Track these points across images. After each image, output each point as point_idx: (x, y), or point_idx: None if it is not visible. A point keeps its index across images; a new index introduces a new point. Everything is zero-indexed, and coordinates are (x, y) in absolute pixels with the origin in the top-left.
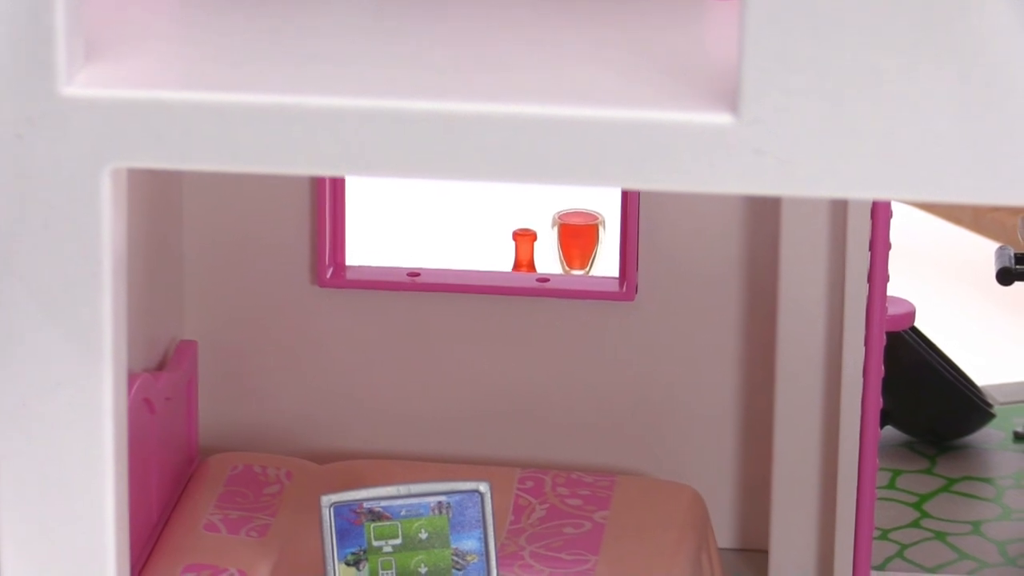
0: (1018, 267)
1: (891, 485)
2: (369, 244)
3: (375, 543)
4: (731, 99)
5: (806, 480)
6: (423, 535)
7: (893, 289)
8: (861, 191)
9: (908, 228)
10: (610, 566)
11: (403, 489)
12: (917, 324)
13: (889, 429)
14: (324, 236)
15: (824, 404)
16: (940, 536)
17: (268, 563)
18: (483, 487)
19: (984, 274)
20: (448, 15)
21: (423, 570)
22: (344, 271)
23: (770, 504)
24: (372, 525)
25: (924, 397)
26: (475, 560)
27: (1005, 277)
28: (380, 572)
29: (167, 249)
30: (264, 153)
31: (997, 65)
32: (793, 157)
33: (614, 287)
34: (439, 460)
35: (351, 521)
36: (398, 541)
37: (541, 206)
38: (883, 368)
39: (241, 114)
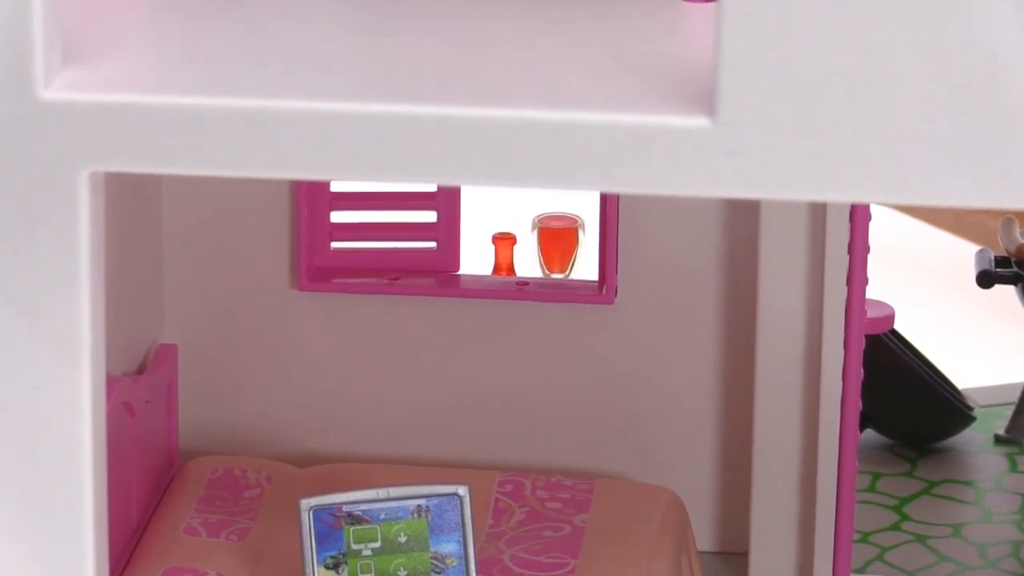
0: (998, 270)
1: (871, 488)
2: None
3: (354, 547)
4: (707, 102)
5: (786, 483)
6: (402, 539)
7: (872, 292)
8: (840, 194)
9: (888, 231)
10: (590, 569)
11: (382, 493)
12: (897, 327)
13: (869, 432)
14: (304, 239)
15: (804, 407)
16: (920, 539)
17: (248, 567)
18: (462, 490)
19: (964, 277)
20: (424, 18)
21: (402, 573)
22: (324, 274)
23: (750, 507)
24: (351, 528)
25: (904, 400)
26: (454, 563)
27: (985, 280)
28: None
29: (146, 252)
30: (243, 157)
31: (976, 67)
32: (770, 160)
33: (594, 290)
34: (419, 463)
35: (330, 525)
36: (377, 545)
37: (520, 209)
38: (863, 371)
39: (220, 118)
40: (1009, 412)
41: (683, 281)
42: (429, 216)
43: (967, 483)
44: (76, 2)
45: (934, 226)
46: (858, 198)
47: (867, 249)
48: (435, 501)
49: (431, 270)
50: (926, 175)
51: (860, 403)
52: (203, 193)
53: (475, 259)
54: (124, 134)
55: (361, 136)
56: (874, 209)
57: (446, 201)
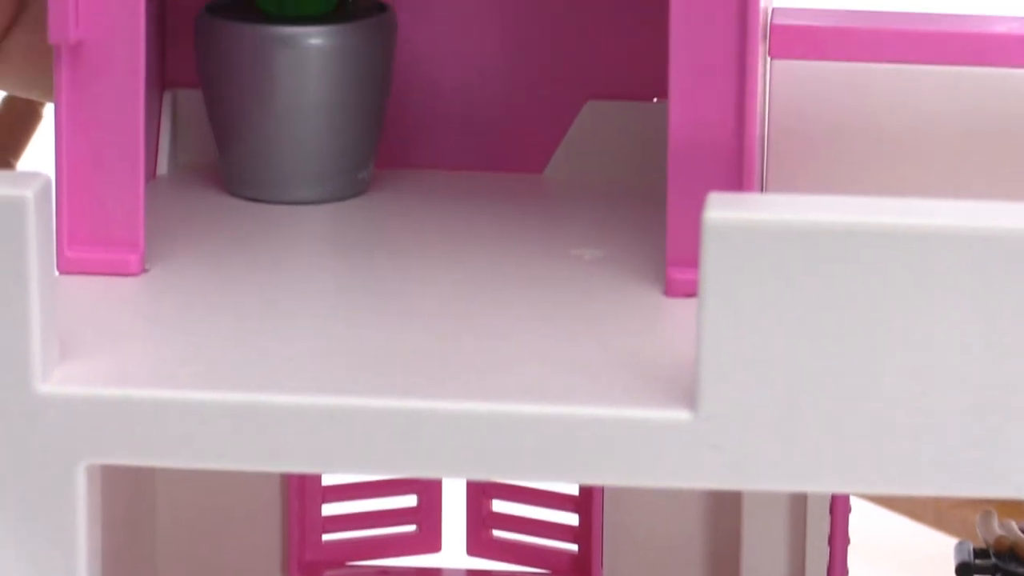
0: (977, 561)
1: None
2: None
3: None
4: (689, 396)
5: None
6: None
7: None
8: (820, 484)
9: (869, 524)
10: None
11: None
12: None
13: None
14: (295, 533)
15: None
16: None
17: None
18: None
19: (944, 569)
20: (413, 313)
21: None
22: (315, 568)
23: None
24: None
25: None
26: None
27: (964, 572)
28: None
29: (140, 545)
30: (236, 450)
31: (951, 358)
32: (751, 452)
33: None
34: None
35: None
36: None
37: None
38: None
39: (213, 412)
40: None
41: (666, 573)
42: (409, 500)
43: None
44: (73, 297)
45: (914, 520)
46: (838, 488)
47: (847, 542)
48: None
49: (413, 553)
50: (905, 465)
51: None
52: (196, 485)
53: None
54: (120, 428)
55: (352, 430)
56: (854, 502)
57: (425, 484)
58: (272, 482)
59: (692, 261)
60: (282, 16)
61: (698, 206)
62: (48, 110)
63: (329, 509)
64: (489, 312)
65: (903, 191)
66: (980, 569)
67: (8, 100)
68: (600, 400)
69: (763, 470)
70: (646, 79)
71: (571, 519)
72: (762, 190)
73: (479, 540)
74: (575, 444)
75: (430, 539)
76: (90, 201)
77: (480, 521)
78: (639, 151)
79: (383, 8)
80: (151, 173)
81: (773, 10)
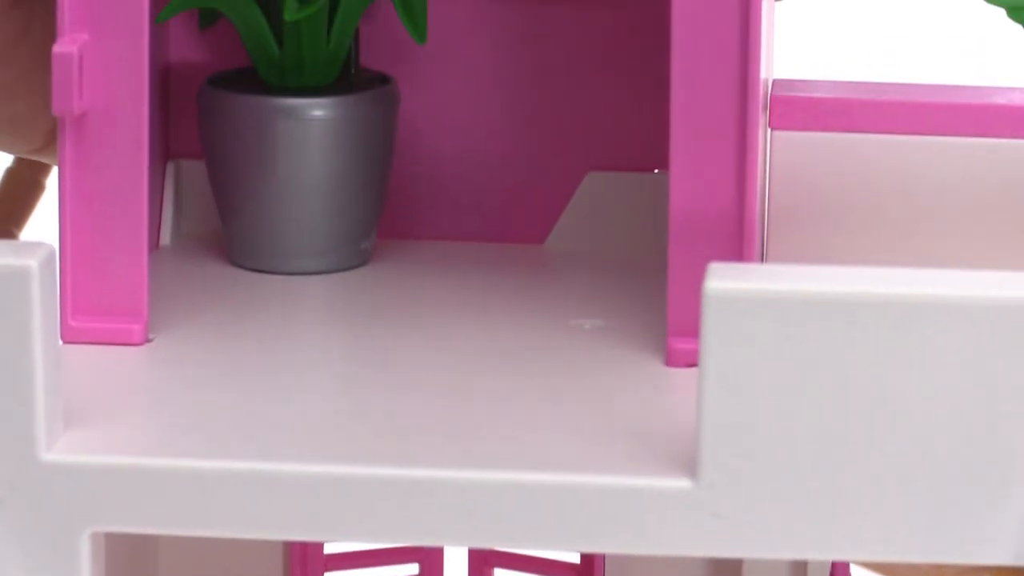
0: None
1: None
2: None
3: None
4: (689, 464)
5: None
6: None
7: None
8: (820, 552)
9: None
10: None
11: None
12: None
13: None
14: None
15: None
16: None
17: None
18: None
19: None
20: (413, 383)
21: None
22: None
23: None
24: None
25: None
26: None
27: None
28: None
29: None
30: (239, 518)
31: (949, 428)
32: (751, 520)
33: None
34: None
35: None
36: None
37: None
38: None
39: (217, 480)
40: None
41: None
42: (411, 569)
43: None
44: (77, 366)
45: None
46: (839, 555)
47: None
48: None
49: None
50: (904, 533)
51: None
52: (199, 552)
53: None
54: (125, 496)
55: (355, 498)
56: (854, 570)
57: (427, 552)
58: (274, 550)
59: (693, 331)
60: (284, 88)
61: (699, 276)
62: (52, 180)
63: None
64: (490, 382)
65: (903, 261)
66: None
67: (11, 171)
68: (601, 469)
69: (763, 538)
70: (647, 150)
71: None
72: (763, 260)
73: None
74: (576, 512)
75: None
76: (94, 271)
77: None
78: (640, 222)
79: (385, 80)
80: (154, 243)
81: (773, 81)
